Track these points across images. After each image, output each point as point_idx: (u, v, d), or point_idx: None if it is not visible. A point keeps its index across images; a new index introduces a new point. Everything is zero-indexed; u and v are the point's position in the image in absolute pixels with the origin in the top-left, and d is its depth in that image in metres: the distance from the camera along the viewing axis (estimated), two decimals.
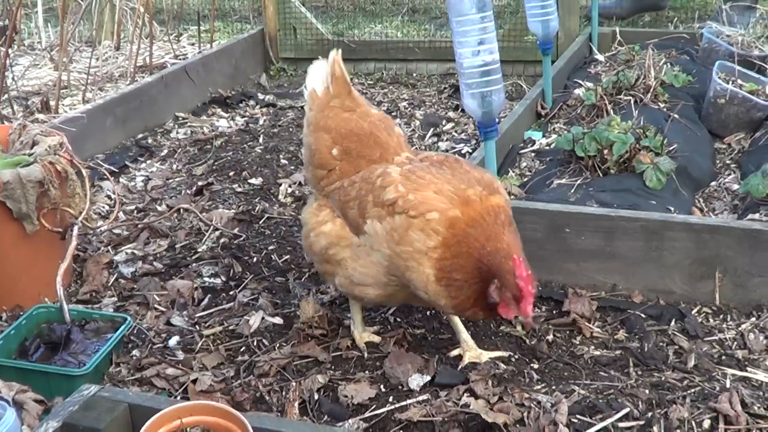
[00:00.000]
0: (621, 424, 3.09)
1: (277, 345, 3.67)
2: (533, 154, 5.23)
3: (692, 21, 8.11)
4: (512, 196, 4.40)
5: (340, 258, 3.41)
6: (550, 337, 3.66)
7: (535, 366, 3.46)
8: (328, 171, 3.51)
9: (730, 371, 3.37)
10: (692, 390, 3.27)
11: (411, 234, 3.14)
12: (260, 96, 7.21)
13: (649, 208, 4.08)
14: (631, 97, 5.33)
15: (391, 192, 3.22)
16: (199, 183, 5.32)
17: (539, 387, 3.33)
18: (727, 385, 3.27)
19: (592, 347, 3.59)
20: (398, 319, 3.84)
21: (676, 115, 5.13)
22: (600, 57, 6.85)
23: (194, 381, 3.41)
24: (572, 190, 4.36)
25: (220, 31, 9.21)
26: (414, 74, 7.69)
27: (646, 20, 8.76)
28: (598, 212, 3.87)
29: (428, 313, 3.85)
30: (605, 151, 4.39)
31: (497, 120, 4.06)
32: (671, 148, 4.56)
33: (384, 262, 3.26)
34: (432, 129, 6.20)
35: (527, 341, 3.63)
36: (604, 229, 3.83)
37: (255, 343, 3.70)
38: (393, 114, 6.57)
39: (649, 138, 4.43)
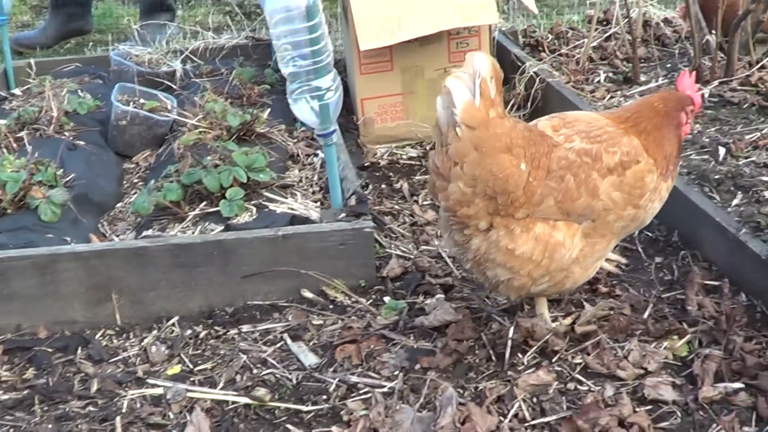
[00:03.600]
0: None
1: None
2: None
3: (116, 43, 8.22)
4: None
5: (577, 255, 3.31)
6: None
7: None
8: (523, 188, 3.16)
9: (131, 391, 3.50)
10: (93, 415, 3.35)
11: (646, 180, 3.29)
12: None
13: (45, 242, 4.08)
14: (35, 131, 5.31)
15: (609, 156, 3.25)
16: None
17: None
18: (125, 403, 3.40)
19: (1, 392, 3.56)
20: None
21: (81, 142, 5.19)
22: (18, 92, 6.75)
23: None
24: None
25: None
26: None
27: (71, 45, 8.74)
28: None
29: None
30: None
31: None
32: (69, 178, 4.62)
33: (628, 223, 3.35)
34: None
35: None
36: None
37: None
38: None
39: (42, 172, 4.45)
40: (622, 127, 3.38)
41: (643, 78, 5.93)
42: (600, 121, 3.41)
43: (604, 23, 6.85)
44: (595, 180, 3.22)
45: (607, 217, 3.27)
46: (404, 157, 5.50)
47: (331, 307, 3.94)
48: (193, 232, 4.12)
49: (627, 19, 6.01)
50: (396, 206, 4.79)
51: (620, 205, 3.27)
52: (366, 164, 5.37)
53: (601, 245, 3.34)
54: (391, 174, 5.28)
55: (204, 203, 4.32)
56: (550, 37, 6.84)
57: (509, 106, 5.63)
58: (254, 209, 4.26)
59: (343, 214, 4.09)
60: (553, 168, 3.21)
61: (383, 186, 5.10)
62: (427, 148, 5.56)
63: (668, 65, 6.18)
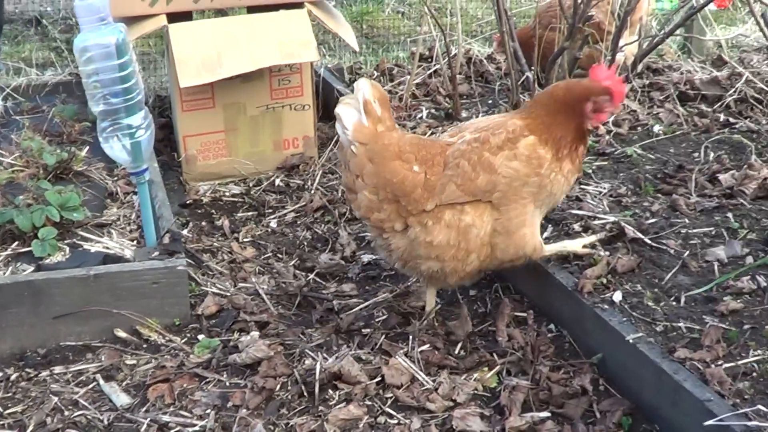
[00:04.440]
0: None
1: None
2: None
3: None
4: None
5: (492, 227, 3.60)
6: None
7: None
8: (422, 186, 3.52)
9: None
10: None
11: (539, 151, 3.56)
12: None
13: None
14: None
15: (496, 137, 3.56)
16: None
17: None
18: None
19: None
20: None
21: None
22: None
23: None
24: None
25: None
26: None
27: None
28: None
29: None
30: None
31: None
32: None
33: (537, 189, 3.59)
34: None
35: None
36: None
37: None
38: None
39: None
40: (519, 113, 3.74)
41: (464, 114, 6.07)
42: (489, 117, 3.80)
43: (429, 60, 6.98)
44: (488, 158, 3.54)
45: (513, 183, 3.55)
46: (227, 194, 5.48)
47: (144, 346, 3.91)
48: (4, 273, 4.03)
49: (448, 57, 6.13)
50: (216, 243, 4.78)
51: (523, 172, 3.55)
52: (188, 202, 5.34)
53: (529, 208, 3.62)
54: (213, 211, 5.27)
55: (16, 243, 4.23)
56: (376, 73, 6.94)
57: (333, 142, 5.68)
58: (67, 249, 4.19)
59: (156, 253, 4.07)
60: (449, 161, 3.56)
61: (204, 223, 5.09)
62: (251, 185, 5.57)
63: (489, 101, 6.35)
